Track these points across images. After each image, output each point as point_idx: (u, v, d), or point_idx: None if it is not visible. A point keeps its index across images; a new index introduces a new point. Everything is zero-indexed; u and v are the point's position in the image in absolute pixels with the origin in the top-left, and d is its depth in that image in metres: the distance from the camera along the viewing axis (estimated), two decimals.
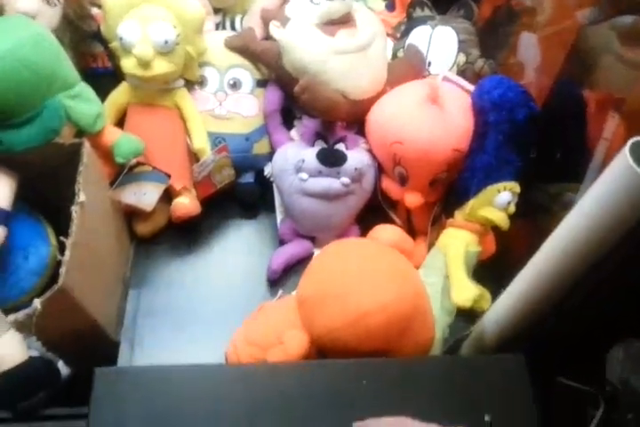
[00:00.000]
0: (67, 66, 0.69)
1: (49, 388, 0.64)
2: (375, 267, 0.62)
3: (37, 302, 0.54)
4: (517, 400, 0.55)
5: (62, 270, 0.57)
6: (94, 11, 0.79)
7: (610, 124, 0.70)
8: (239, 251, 0.88)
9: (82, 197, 0.63)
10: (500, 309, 0.66)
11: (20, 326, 0.66)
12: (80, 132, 0.73)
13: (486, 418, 0.53)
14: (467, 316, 0.74)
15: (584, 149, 0.71)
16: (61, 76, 0.68)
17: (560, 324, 0.63)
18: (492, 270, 0.77)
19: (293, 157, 0.79)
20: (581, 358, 0.67)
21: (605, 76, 0.71)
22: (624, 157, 0.45)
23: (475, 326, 0.72)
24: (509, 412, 0.54)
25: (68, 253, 0.59)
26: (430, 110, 0.74)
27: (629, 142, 0.46)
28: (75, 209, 0.62)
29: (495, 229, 0.77)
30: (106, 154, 0.76)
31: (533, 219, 0.79)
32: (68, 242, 0.59)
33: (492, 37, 0.88)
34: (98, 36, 0.80)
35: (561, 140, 0.76)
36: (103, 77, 0.82)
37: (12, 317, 0.67)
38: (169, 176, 0.80)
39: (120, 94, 0.81)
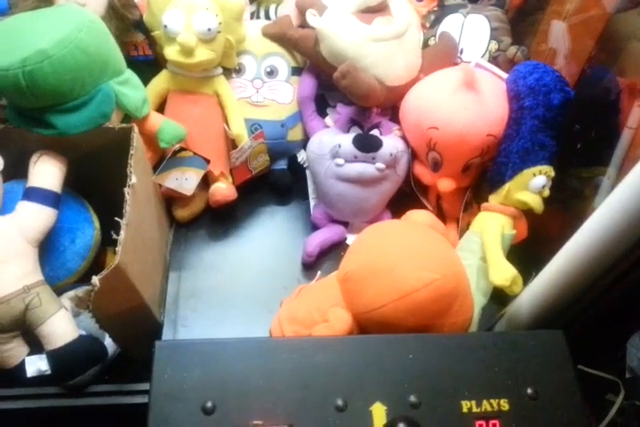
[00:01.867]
0: (117, 52, 0.73)
1: (98, 365, 0.68)
2: (419, 245, 0.65)
3: (96, 280, 0.57)
4: (558, 374, 0.57)
5: (118, 249, 0.60)
6: (137, 0, 0.82)
7: (635, 112, 0.73)
8: (274, 236, 0.92)
9: (134, 179, 0.65)
10: (534, 291, 0.69)
11: (79, 303, 0.70)
12: (125, 118, 0.77)
13: (528, 391, 0.55)
14: (498, 300, 0.77)
15: (615, 133, 0.74)
16: (112, 63, 0.71)
17: (587, 310, 0.65)
18: (523, 255, 0.79)
19: (329, 143, 0.83)
20: (602, 345, 0.70)
21: (633, 63, 0.73)
22: None
23: (508, 307, 0.75)
24: (551, 386, 0.57)
25: (122, 233, 0.61)
26: (465, 95, 0.77)
27: None
28: (127, 191, 0.64)
29: (527, 213, 0.80)
30: (149, 139, 0.79)
31: (565, 203, 0.82)
32: (123, 222, 0.62)
33: (523, 25, 0.91)
34: (139, 25, 0.83)
35: (592, 124, 0.79)
36: (143, 65, 0.85)
37: (71, 293, 0.72)
38: (209, 162, 0.83)
39: (161, 81, 0.85)
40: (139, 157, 0.69)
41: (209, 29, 0.77)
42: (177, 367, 0.54)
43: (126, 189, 0.64)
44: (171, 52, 0.79)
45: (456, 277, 0.63)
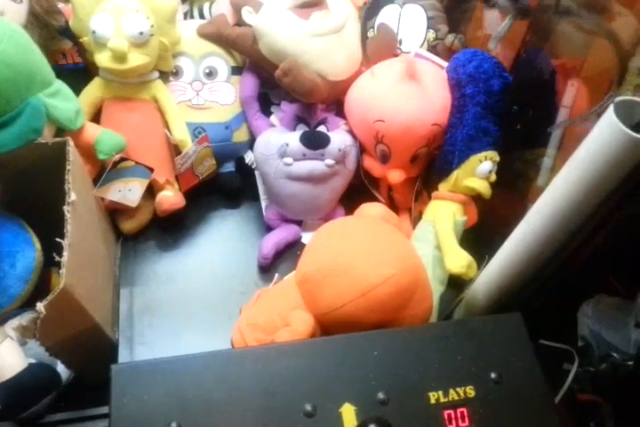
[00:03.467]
0: (43, 62, 0.71)
1: (52, 393, 0.66)
2: (374, 241, 0.66)
3: (41, 306, 0.55)
4: (520, 356, 0.59)
5: (62, 271, 0.58)
6: (61, 5, 0.80)
7: (569, 91, 0.76)
8: (227, 240, 0.91)
9: (73, 196, 0.63)
10: (489, 275, 0.71)
11: (24, 332, 0.67)
12: (59, 131, 0.75)
13: (492, 375, 0.57)
14: (454, 285, 0.79)
15: (552, 114, 0.77)
16: (39, 74, 0.69)
17: (540, 288, 0.68)
18: (475, 239, 0.82)
19: (276, 142, 0.83)
20: (556, 317, 0.74)
21: (563, 43, 0.76)
22: (609, 115, 0.49)
23: (465, 292, 0.77)
24: (514, 368, 0.58)
25: (65, 253, 0.59)
26: (408, 86, 0.78)
27: (614, 101, 0.50)
28: (67, 209, 0.62)
29: (476, 198, 0.82)
30: (87, 152, 0.78)
31: (512, 185, 0.84)
32: (65, 242, 0.60)
33: (458, 12, 0.93)
34: (66, 32, 0.81)
35: (531, 107, 0.81)
36: (74, 74, 0.83)
37: (15, 321, 0.69)
38: (152, 170, 0.82)
39: (94, 90, 0.83)
40: (76, 171, 0.67)
41: (141, 33, 0.76)
42: (136, 390, 0.53)
43: (65, 208, 0.62)
44: (102, 59, 0.77)
45: (413, 269, 0.65)
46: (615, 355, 0.75)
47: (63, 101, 0.73)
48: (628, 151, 0.50)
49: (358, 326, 0.62)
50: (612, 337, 0.78)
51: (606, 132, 0.51)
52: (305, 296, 0.67)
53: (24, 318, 0.69)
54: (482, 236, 0.83)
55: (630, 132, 0.49)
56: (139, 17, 0.76)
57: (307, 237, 0.91)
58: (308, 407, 0.53)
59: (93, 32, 0.76)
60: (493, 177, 0.79)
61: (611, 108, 0.50)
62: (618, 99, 0.51)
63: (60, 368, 0.68)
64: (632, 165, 0.51)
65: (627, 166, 0.51)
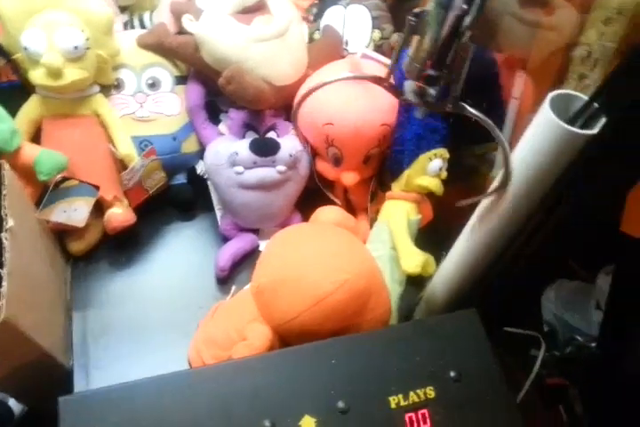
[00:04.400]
0: None
1: None
2: (325, 248, 0.66)
3: None
4: (477, 352, 0.60)
5: (2, 303, 0.56)
6: None
7: (518, 83, 0.78)
8: (183, 254, 0.90)
9: (10, 222, 0.62)
10: (446, 271, 0.73)
11: None
12: None
13: (451, 374, 0.58)
14: (415, 283, 0.80)
15: (498, 108, 0.78)
16: None
17: (500, 278, 0.69)
18: (432, 236, 0.83)
19: (226, 152, 0.82)
20: (522, 305, 0.75)
21: (508, 38, 0.77)
22: (545, 110, 0.51)
23: (424, 291, 0.78)
24: (472, 365, 0.59)
25: (4, 284, 0.58)
26: (355, 88, 0.79)
27: (549, 95, 0.51)
28: (4, 236, 0.61)
29: (430, 195, 0.83)
30: (27, 173, 0.76)
31: (464, 181, 0.86)
32: (4, 271, 0.59)
33: (402, 11, 0.94)
34: None
35: (478, 102, 0.83)
36: (10, 92, 0.81)
37: None
38: (98, 188, 0.81)
39: (31, 108, 0.81)
40: (13, 195, 0.66)
41: (75, 47, 0.75)
42: (87, 423, 0.52)
43: (3, 235, 0.61)
44: (36, 76, 0.76)
45: (367, 273, 0.65)
46: (579, 338, 0.78)
47: None
48: (565, 144, 0.51)
49: (316, 335, 0.62)
50: (575, 320, 0.81)
51: (543, 126, 0.52)
52: (261, 308, 0.67)
53: None
54: (439, 233, 0.84)
55: (565, 125, 0.50)
56: (72, 31, 0.75)
57: (264, 245, 0.90)
58: (267, 424, 0.53)
59: (25, 48, 0.75)
60: (444, 174, 0.80)
61: (547, 102, 0.51)
62: (553, 93, 0.52)
63: (12, 403, 0.67)
64: (570, 157, 0.53)
65: (565, 158, 0.53)
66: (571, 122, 0.51)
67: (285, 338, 0.66)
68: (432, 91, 0.59)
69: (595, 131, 0.50)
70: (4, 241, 0.61)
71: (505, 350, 0.65)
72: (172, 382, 0.55)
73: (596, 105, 0.50)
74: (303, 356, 0.58)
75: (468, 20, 0.53)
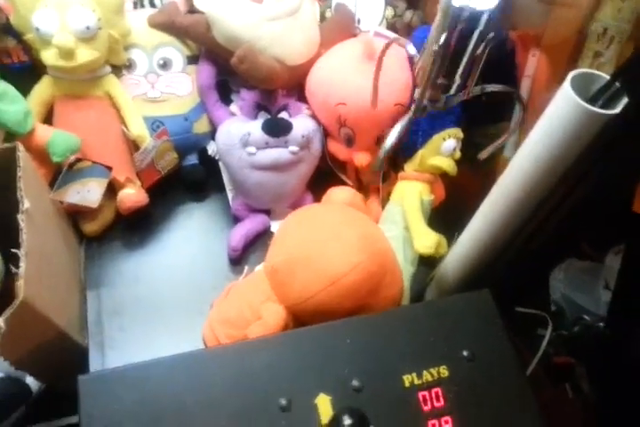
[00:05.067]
0: None
1: (22, 406, 0.67)
2: (340, 229, 0.67)
3: (1, 321, 0.55)
4: (490, 332, 0.62)
5: (20, 283, 0.58)
6: (0, 1, 0.79)
7: (531, 61, 0.78)
8: (195, 235, 0.92)
9: (26, 203, 0.63)
10: (459, 251, 0.73)
11: None
12: (8, 136, 0.75)
13: (464, 353, 0.59)
14: (426, 263, 0.81)
15: (514, 86, 0.78)
16: None
17: (512, 259, 0.69)
18: (444, 216, 0.84)
19: (238, 132, 0.83)
20: (530, 284, 0.77)
21: (523, 15, 0.77)
22: (566, 89, 0.51)
23: (435, 270, 0.80)
24: (485, 345, 0.61)
25: (22, 264, 0.59)
26: (369, 67, 0.78)
27: (570, 74, 0.51)
28: (21, 217, 0.62)
29: (443, 176, 0.84)
30: (40, 155, 0.78)
31: (477, 161, 0.87)
32: (21, 253, 0.60)
33: None
34: (9, 29, 0.79)
35: (492, 81, 0.83)
36: (21, 73, 0.82)
37: None
38: (111, 169, 0.82)
39: (44, 89, 0.82)
40: (29, 177, 0.67)
41: (87, 27, 0.75)
42: (106, 401, 0.53)
43: (20, 216, 0.62)
44: (48, 57, 0.76)
45: (381, 254, 0.67)
46: (586, 317, 0.80)
47: (10, 104, 0.73)
48: (585, 124, 0.52)
49: (331, 315, 0.63)
50: (583, 300, 0.83)
51: (563, 105, 0.52)
52: (275, 288, 0.69)
53: None
54: (451, 213, 0.85)
55: (586, 105, 0.50)
56: (84, 10, 0.75)
57: (276, 226, 0.92)
58: (283, 402, 0.54)
59: (37, 29, 0.75)
60: (458, 154, 0.81)
61: (567, 82, 0.51)
62: (574, 72, 0.52)
63: (30, 380, 0.69)
64: (590, 138, 0.53)
65: (585, 139, 0.53)
66: (591, 101, 0.51)
67: (300, 317, 0.68)
68: (444, 97, 0.65)
69: (616, 111, 0.50)
70: (21, 223, 0.62)
71: (512, 329, 0.66)
72: (188, 362, 0.57)
73: (617, 84, 0.50)
74: (318, 335, 0.60)
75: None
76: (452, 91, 0.64)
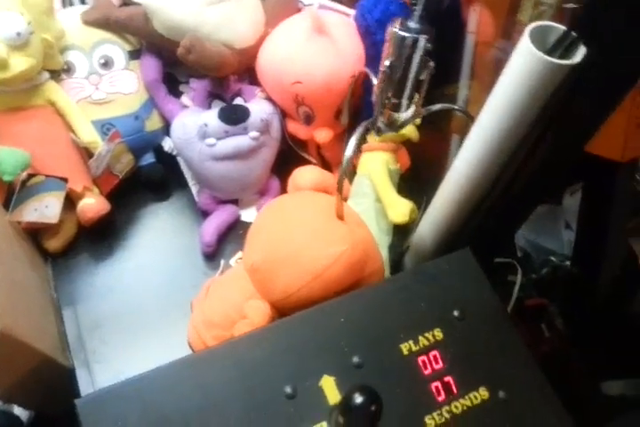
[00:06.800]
0: None
1: None
2: (317, 220, 0.68)
3: None
4: (477, 289, 0.65)
5: None
6: None
7: (472, 17, 0.80)
8: (164, 235, 0.93)
9: None
10: (433, 215, 0.76)
11: None
12: None
13: (455, 313, 0.63)
14: (400, 231, 0.83)
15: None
16: None
17: (487, 214, 0.72)
18: (408, 182, 0.86)
19: (194, 124, 0.84)
20: (506, 237, 0.81)
21: None
22: (525, 42, 0.53)
23: (411, 237, 0.82)
24: (473, 302, 0.64)
25: None
26: (319, 42, 0.80)
27: (528, 28, 0.53)
28: None
29: (405, 142, 0.86)
30: None
31: (437, 124, 0.89)
32: None
33: None
34: None
35: (442, 42, 0.86)
36: None
37: None
38: (66, 180, 0.81)
39: None
40: None
41: (18, 33, 0.74)
42: (109, 421, 0.54)
43: None
44: None
45: (362, 241, 0.68)
46: (553, 258, 0.85)
47: None
48: (547, 75, 0.54)
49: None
50: (547, 242, 0.88)
51: (524, 59, 0.54)
52: (257, 285, 0.69)
53: None
54: (415, 178, 0.88)
55: (546, 57, 0.52)
56: (12, 15, 0.74)
57: (246, 215, 0.94)
58: (288, 389, 0.56)
59: None
60: (419, 120, 0.82)
61: (526, 35, 0.53)
62: (532, 25, 0.55)
63: (18, 410, 0.69)
64: (553, 88, 0.56)
65: (548, 89, 0.56)
66: (549, 53, 0.53)
67: (285, 310, 0.69)
68: (398, 115, 0.75)
69: (575, 61, 0.52)
70: None
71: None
72: (185, 367, 0.58)
73: (574, 34, 0.52)
74: (311, 319, 0.61)
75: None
76: (402, 109, 0.74)
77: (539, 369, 0.62)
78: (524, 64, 0.55)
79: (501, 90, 0.59)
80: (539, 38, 0.54)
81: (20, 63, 0.76)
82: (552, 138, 0.60)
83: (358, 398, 0.51)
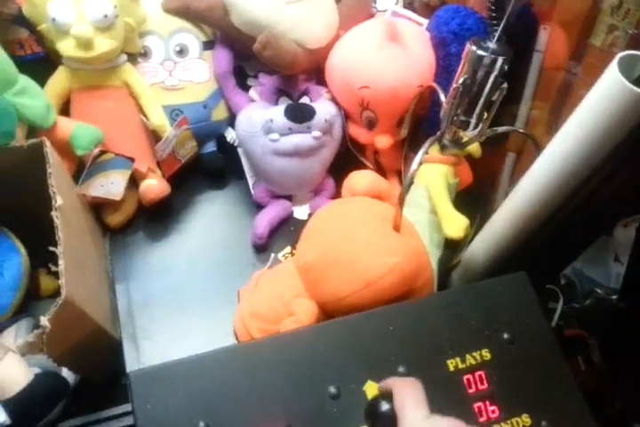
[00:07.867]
0: (4, 60, 0.70)
1: (61, 401, 0.68)
2: (375, 227, 0.67)
3: (46, 321, 0.56)
4: (529, 314, 0.64)
5: (62, 282, 0.59)
6: None
7: (542, 36, 0.79)
8: (217, 223, 0.94)
9: (59, 200, 0.63)
10: (489, 234, 0.75)
11: (31, 349, 0.65)
12: (30, 129, 0.75)
13: (505, 336, 0.62)
14: (450, 246, 0.82)
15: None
16: (2, 73, 0.69)
17: (542, 243, 0.71)
18: (463, 197, 0.85)
19: (260, 119, 0.84)
20: (565, 264, 0.79)
21: None
22: (613, 71, 0.52)
23: (463, 253, 0.81)
24: (524, 327, 0.63)
25: (62, 262, 0.60)
26: (391, 49, 0.80)
27: (617, 56, 0.52)
28: (55, 215, 0.62)
29: (468, 158, 0.85)
30: (62, 148, 0.77)
31: (503, 141, 0.88)
32: (60, 251, 0.60)
33: None
34: (20, 20, 0.79)
35: (517, 59, 0.84)
36: (34, 65, 0.82)
37: (20, 340, 0.69)
38: (133, 160, 0.83)
39: (60, 81, 0.82)
40: (57, 172, 0.67)
41: (105, 16, 0.75)
42: (158, 395, 0.55)
43: (53, 213, 0.62)
44: (66, 47, 0.77)
45: (416, 253, 0.67)
46: (598, 290, 0.83)
47: (32, 99, 0.73)
48: (632, 106, 0.53)
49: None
50: (594, 273, 0.86)
51: (609, 87, 0.53)
52: (307, 285, 0.70)
53: (30, 335, 0.67)
54: (469, 194, 0.87)
55: (633, 87, 0.51)
56: None
57: (298, 212, 0.94)
58: (333, 390, 0.57)
59: (53, 19, 0.75)
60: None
61: (614, 64, 0.52)
62: (621, 54, 0.53)
63: (66, 372, 0.70)
64: (636, 120, 0.55)
65: (631, 121, 0.54)
66: (636, 83, 0.52)
67: (331, 312, 0.69)
68: (464, 133, 0.75)
69: None
70: (56, 220, 0.62)
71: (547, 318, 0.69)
72: (234, 355, 0.59)
73: None
74: (360, 324, 0.61)
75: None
76: (470, 128, 0.73)
77: (584, 402, 0.61)
78: (609, 92, 0.54)
79: (582, 115, 0.57)
80: (626, 67, 0.53)
81: (103, 44, 0.78)
82: (629, 168, 0.58)
83: (384, 406, 0.50)
